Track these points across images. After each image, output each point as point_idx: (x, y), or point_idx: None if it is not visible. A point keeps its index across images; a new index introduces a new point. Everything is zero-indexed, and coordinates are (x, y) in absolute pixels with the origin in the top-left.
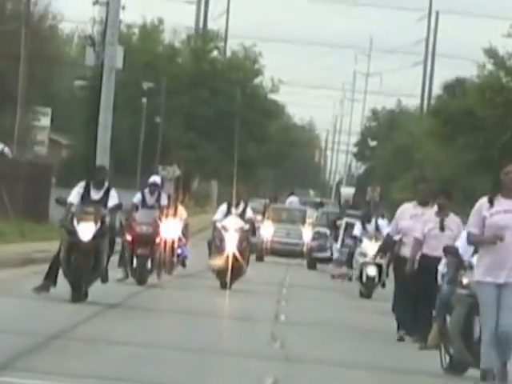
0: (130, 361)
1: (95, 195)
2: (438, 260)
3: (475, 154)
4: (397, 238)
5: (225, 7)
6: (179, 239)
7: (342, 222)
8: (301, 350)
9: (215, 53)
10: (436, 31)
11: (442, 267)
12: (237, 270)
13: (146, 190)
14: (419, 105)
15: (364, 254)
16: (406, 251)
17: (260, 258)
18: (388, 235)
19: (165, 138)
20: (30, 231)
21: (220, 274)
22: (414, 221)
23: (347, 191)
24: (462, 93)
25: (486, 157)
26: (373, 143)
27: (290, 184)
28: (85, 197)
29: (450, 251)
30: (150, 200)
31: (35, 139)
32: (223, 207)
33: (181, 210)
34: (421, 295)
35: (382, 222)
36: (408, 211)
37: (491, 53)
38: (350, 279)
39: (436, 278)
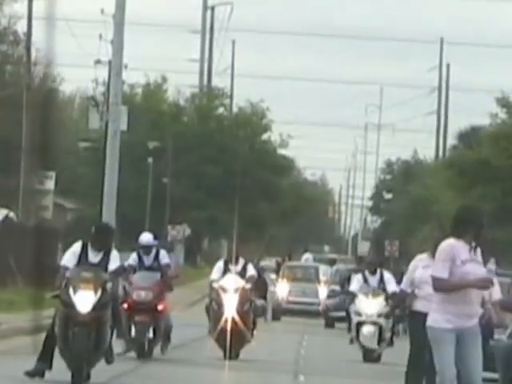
0: None
1: (94, 258)
2: None
3: (493, 204)
4: (409, 291)
5: (229, 62)
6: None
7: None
8: None
9: (221, 110)
10: (448, 80)
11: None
12: (239, 337)
13: (141, 251)
14: (434, 155)
15: (359, 313)
16: (419, 305)
17: (277, 318)
18: (401, 291)
19: (172, 197)
20: (40, 299)
21: (220, 342)
22: (426, 271)
23: (364, 245)
24: (477, 143)
25: (504, 207)
26: (388, 196)
27: (304, 241)
28: (82, 260)
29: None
30: (148, 260)
31: (40, 203)
32: (220, 264)
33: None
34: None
35: (388, 276)
36: (421, 262)
37: (503, 101)
38: (352, 341)
39: None
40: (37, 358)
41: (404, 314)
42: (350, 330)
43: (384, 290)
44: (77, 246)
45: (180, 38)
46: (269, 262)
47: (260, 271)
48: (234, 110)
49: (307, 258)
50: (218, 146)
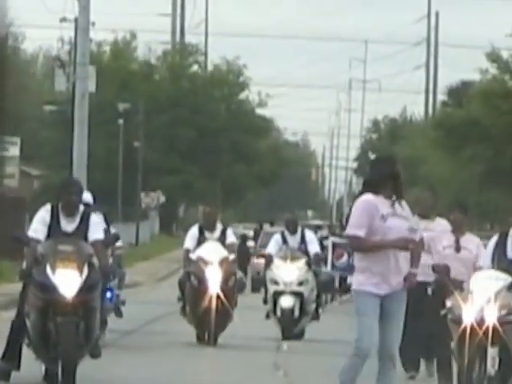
0: None
1: (67, 225)
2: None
3: (484, 165)
4: None
5: (203, 16)
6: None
7: (329, 243)
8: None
9: (195, 68)
10: (437, 30)
11: None
12: (223, 319)
13: None
14: (424, 112)
15: (275, 281)
16: None
17: (256, 289)
18: None
19: (145, 162)
20: (7, 271)
21: (200, 325)
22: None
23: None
24: (467, 99)
25: (496, 168)
26: (374, 157)
27: (284, 206)
28: (53, 229)
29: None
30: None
31: (5, 172)
32: (194, 231)
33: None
34: (435, 328)
35: (311, 235)
36: None
37: (494, 56)
38: (268, 316)
39: None
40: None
41: (331, 280)
42: (265, 301)
43: (306, 252)
44: (45, 212)
45: None
46: (245, 230)
47: (243, 238)
48: (209, 68)
49: None
50: (192, 106)
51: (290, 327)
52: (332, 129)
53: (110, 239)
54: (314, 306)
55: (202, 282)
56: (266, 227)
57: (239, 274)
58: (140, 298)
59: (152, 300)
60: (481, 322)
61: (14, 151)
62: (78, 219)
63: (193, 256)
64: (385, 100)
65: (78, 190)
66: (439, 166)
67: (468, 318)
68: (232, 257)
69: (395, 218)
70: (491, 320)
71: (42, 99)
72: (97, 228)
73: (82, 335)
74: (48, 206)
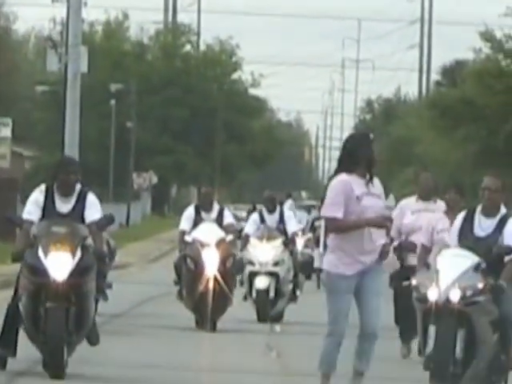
0: None
1: (63, 206)
2: None
3: (478, 145)
4: (396, 243)
5: None
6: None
7: (321, 223)
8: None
9: (188, 48)
10: (431, 9)
11: None
12: (221, 302)
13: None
14: (417, 92)
15: (251, 261)
16: (411, 259)
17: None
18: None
19: (137, 143)
20: (1, 252)
21: (198, 309)
22: (416, 217)
23: None
24: (461, 79)
25: (489, 148)
26: None
27: (278, 187)
28: (48, 210)
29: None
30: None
31: None
32: (189, 212)
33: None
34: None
35: (290, 214)
36: (409, 207)
37: (487, 35)
38: (245, 298)
39: None
40: None
41: (310, 262)
42: (242, 282)
43: (285, 231)
44: (38, 193)
45: None
46: (237, 211)
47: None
48: (202, 47)
49: (291, 204)
50: (185, 86)
51: (266, 309)
52: (326, 109)
53: (104, 221)
54: (290, 286)
55: (198, 264)
56: (260, 208)
57: (238, 254)
58: (131, 279)
59: (144, 281)
60: (447, 301)
61: (6, 132)
62: (74, 199)
63: (188, 238)
64: (379, 80)
65: (76, 169)
66: (433, 146)
67: (433, 297)
68: (229, 238)
69: (370, 197)
70: (456, 300)
71: (33, 80)
72: (94, 209)
73: (72, 321)
74: (42, 187)
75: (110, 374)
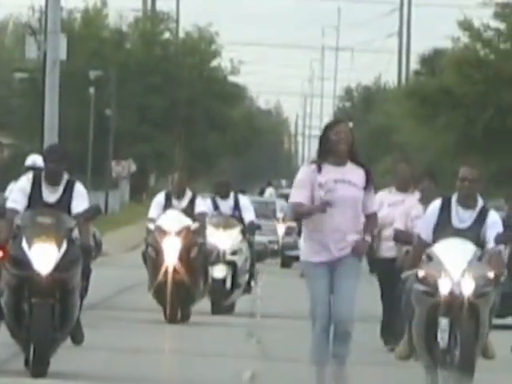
0: None
1: (50, 196)
2: None
3: (457, 134)
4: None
5: None
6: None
7: None
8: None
9: (167, 35)
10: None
11: None
12: (184, 292)
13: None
14: (397, 80)
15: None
16: (385, 250)
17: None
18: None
19: (116, 131)
20: None
21: (160, 299)
22: (393, 209)
23: None
24: (440, 68)
25: (468, 136)
26: None
27: (257, 175)
28: (34, 199)
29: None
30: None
31: None
32: (159, 198)
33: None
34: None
35: (245, 201)
36: (386, 199)
37: (465, 25)
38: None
39: None
40: None
41: (266, 251)
42: None
43: (240, 219)
44: (26, 181)
45: None
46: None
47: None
48: (181, 35)
49: (271, 192)
50: (164, 74)
51: (221, 300)
52: (305, 96)
53: (91, 212)
54: (246, 277)
55: (158, 253)
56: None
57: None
58: (109, 268)
59: (122, 269)
60: (460, 295)
61: None
62: (61, 189)
63: (151, 226)
64: (358, 68)
65: (60, 157)
66: (413, 135)
67: (446, 290)
68: (195, 226)
69: (343, 184)
70: (471, 292)
71: (12, 67)
72: (81, 199)
73: (57, 318)
74: (30, 175)
75: (87, 370)
